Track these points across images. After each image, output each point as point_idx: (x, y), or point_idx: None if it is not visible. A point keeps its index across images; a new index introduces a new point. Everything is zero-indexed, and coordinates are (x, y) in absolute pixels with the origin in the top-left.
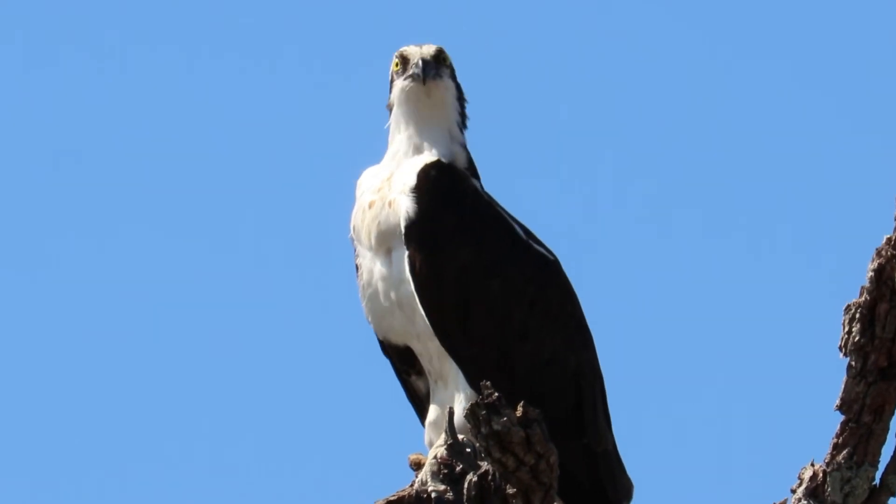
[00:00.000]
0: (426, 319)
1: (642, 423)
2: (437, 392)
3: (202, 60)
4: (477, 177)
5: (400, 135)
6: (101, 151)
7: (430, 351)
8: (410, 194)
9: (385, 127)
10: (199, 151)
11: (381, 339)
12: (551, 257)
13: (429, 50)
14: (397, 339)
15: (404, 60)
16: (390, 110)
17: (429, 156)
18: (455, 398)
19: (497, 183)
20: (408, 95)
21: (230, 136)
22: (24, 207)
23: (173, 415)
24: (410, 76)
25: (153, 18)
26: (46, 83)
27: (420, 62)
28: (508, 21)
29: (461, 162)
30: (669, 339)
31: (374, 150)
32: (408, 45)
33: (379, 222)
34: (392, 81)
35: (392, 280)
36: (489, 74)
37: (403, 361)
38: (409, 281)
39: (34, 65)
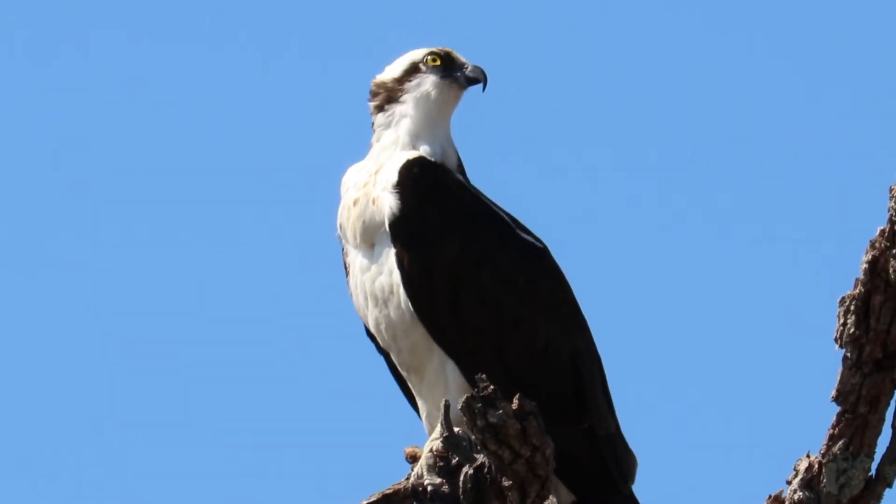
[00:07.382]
0: (402, 312)
1: (638, 414)
2: (414, 385)
3: (190, 58)
4: (463, 172)
5: (398, 128)
6: (100, 150)
7: (401, 345)
8: (393, 191)
9: (376, 117)
10: (193, 150)
11: (370, 334)
12: (540, 245)
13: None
14: (374, 333)
15: (449, 59)
16: (387, 101)
17: (413, 152)
18: (442, 390)
19: (484, 176)
20: (441, 93)
21: (226, 134)
22: (23, 207)
23: (172, 413)
24: (454, 78)
25: (152, 16)
26: (46, 82)
27: (480, 69)
28: (497, 10)
29: (451, 160)
30: (664, 330)
31: (357, 146)
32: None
33: (364, 220)
34: (411, 74)
35: (370, 272)
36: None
37: None
38: (388, 273)
39: (34, 63)
